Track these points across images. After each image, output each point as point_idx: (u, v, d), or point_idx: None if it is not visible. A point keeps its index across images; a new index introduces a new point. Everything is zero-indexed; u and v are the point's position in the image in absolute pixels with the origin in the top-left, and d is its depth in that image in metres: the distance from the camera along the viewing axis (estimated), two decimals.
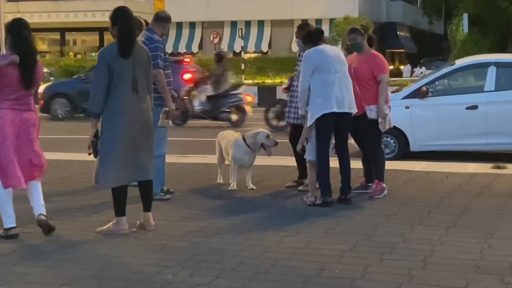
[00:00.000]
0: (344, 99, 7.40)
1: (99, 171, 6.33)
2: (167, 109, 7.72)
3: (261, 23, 42.24)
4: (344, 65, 7.55)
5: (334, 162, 7.61)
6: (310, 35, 7.84)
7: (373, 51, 8.08)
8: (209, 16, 42.39)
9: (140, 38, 7.75)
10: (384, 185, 8.01)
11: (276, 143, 8.41)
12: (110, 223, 6.36)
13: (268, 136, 8.39)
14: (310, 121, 7.45)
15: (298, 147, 7.79)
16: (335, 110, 7.35)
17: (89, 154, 6.39)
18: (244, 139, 8.40)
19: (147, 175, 6.43)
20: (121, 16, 6.31)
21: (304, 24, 8.82)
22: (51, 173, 9.01)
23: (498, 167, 9.76)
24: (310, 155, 7.62)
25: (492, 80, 11.19)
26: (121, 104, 6.18)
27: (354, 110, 7.57)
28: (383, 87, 7.87)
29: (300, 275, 5.07)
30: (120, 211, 6.33)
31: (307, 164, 7.77)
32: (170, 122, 7.99)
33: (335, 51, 7.70)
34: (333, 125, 7.46)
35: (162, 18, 8.00)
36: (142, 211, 6.49)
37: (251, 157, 8.42)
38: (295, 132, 8.28)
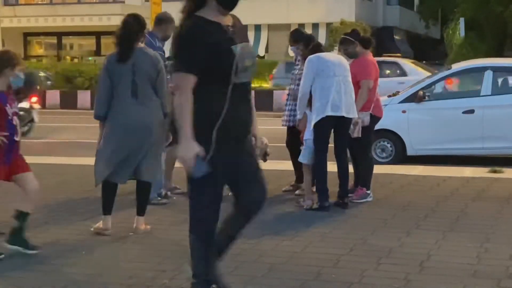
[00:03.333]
0: (342, 104, 7.37)
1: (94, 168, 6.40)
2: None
3: (258, 27, 42.21)
4: (345, 70, 7.51)
5: (332, 166, 7.62)
6: (313, 48, 7.87)
7: (365, 56, 8.02)
8: None
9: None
10: (367, 191, 7.97)
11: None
12: (101, 221, 6.45)
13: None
14: (309, 126, 7.49)
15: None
16: (330, 113, 7.34)
17: None
18: None
19: (143, 176, 6.44)
20: (122, 22, 6.39)
21: (295, 30, 8.73)
22: (48, 178, 9.01)
23: (495, 171, 9.76)
24: (305, 159, 7.63)
25: (489, 84, 11.20)
26: (120, 108, 6.29)
27: (353, 115, 7.55)
28: (362, 92, 7.84)
29: (297, 279, 5.07)
30: (104, 208, 6.39)
31: (303, 168, 7.78)
32: None
33: (337, 57, 7.70)
34: (333, 129, 7.49)
35: (162, 20, 7.85)
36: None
37: None
38: (292, 135, 8.28)
